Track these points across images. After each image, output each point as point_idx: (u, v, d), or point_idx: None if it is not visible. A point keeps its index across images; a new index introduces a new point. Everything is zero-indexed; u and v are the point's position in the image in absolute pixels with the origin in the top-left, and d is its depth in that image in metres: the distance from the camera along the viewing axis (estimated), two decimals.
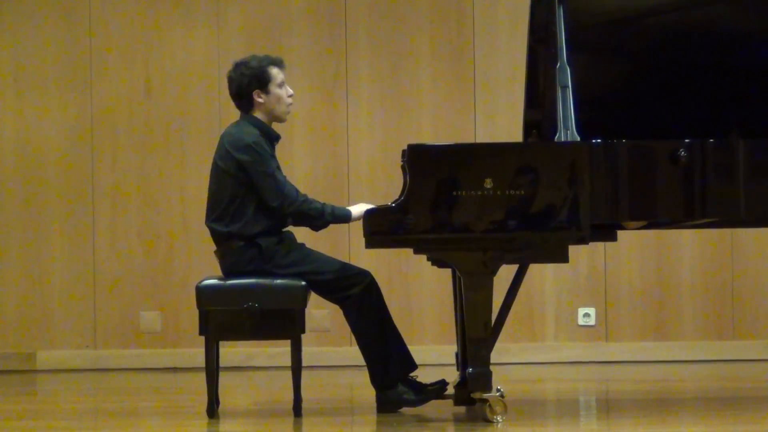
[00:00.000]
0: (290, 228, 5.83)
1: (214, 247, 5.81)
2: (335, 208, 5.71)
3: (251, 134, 5.72)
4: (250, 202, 5.70)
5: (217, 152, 5.80)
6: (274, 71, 5.79)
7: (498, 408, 5.41)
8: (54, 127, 7.97)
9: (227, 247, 5.73)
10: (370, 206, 5.62)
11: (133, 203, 7.96)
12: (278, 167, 5.74)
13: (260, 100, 5.78)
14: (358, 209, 5.70)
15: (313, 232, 5.91)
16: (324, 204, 5.70)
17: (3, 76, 7.99)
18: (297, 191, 5.69)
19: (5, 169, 7.97)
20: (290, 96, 5.84)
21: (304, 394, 5.73)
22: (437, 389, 5.78)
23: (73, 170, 7.96)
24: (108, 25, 7.98)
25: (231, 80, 5.82)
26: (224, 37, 7.96)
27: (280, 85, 5.80)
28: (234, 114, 5.87)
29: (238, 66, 5.81)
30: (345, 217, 5.71)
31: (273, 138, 5.82)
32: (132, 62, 7.98)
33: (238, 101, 5.83)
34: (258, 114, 5.81)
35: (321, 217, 5.68)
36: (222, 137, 5.82)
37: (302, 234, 5.94)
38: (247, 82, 5.76)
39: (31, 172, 7.96)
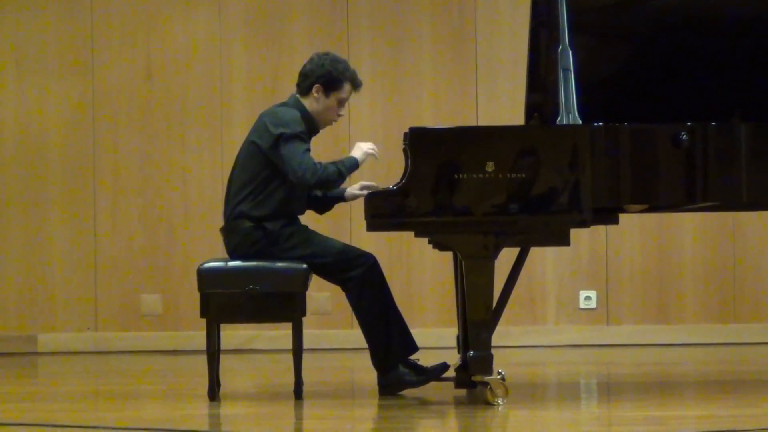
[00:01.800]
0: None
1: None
2: (345, 163, 5.70)
3: (294, 115, 5.75)
4: (266, 186, 5.71)
5: (253, 130, 5.81)
6: (347, 87, 5.82)
7: (499, 391, 5.42)
8: (55, 111, 7.96)
9: (233, 226, 5.74)
10: (365, 146, 5.70)
11: (134, 187, 7.95)
12: (307, 150, 5.71)
13: (316, 95, 5.80)
14: (359, 153, 5.74)
15: (315, 215, 5.95)
16: (335, 163, 5.69)
17: (4, 60, 7.97)
18: (314, 162, 5.68)
19: (7, 153, 7.96)
20: (339, 115, 5.86)
21: (305, 376, 5.74)
22: (438, 370, 5.79)
23: (75, 154, 7.95)
24: (109, 9, 7.96)
25: (311, 60, 5.84)
26: (225, 21, 7.95)
27: (341, 102, 5.82)
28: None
29: (326, 56, 5.83)
30: (355, 166, 5.73)
31: (312, 128, 5.82)
32: (133, 46, 7.97)
33: (300, 81, 5.84)
34: (307, 104, 5.81)
35: (341, 176, 5.68)
36: (261, 115, 5.83)
37: (304, 217, 5.93)
38: (319, 74, 5.78)
39: (32, 156, 7.95)
